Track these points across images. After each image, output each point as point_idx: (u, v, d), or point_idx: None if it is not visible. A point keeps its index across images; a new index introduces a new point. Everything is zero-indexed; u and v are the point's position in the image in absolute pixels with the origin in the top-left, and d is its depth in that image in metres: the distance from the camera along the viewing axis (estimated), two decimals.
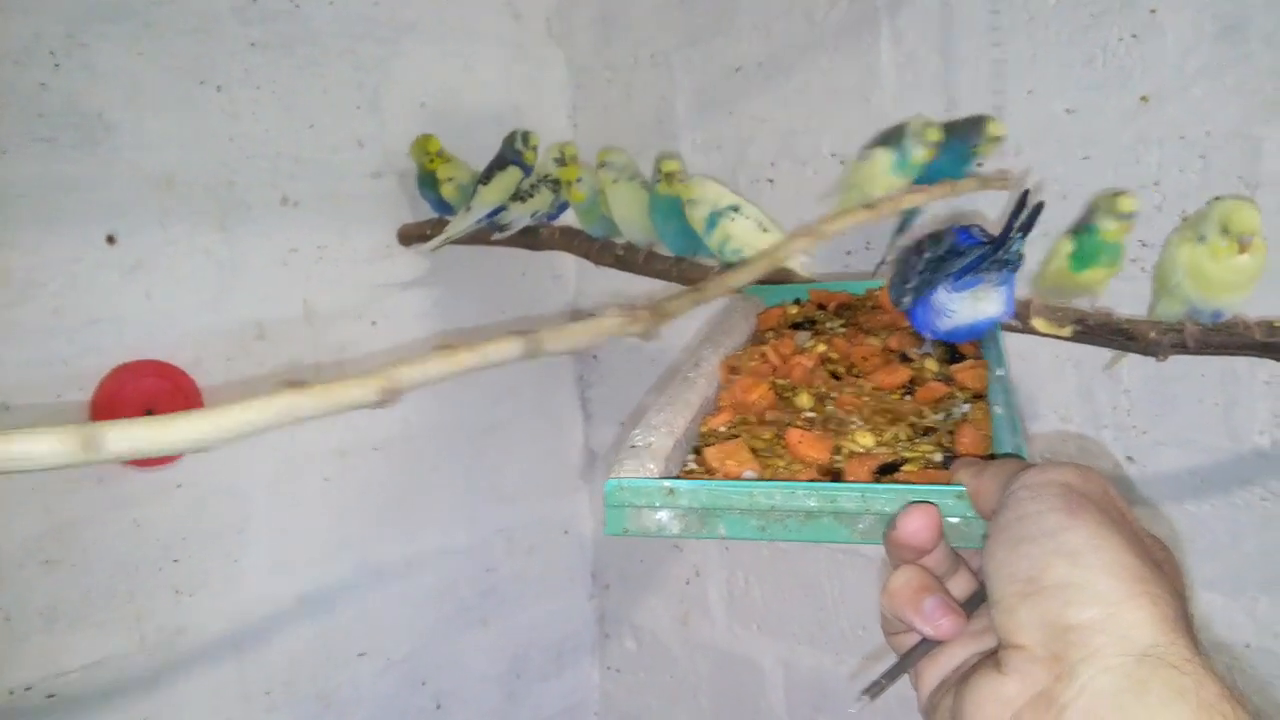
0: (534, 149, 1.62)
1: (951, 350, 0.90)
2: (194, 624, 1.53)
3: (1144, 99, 1.25)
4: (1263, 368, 1.22)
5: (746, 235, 1.29)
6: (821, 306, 1.08)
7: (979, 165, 1.28)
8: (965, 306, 0.84)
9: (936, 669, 0.54)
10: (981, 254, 0.81)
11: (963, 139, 1.26)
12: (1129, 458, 1.34)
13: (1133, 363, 1.31)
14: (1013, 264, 0.82)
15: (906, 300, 0.87)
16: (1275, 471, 1.24)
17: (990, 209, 1.41)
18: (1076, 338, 1.17)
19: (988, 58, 1.38)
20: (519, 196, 1.57)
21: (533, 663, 2.06)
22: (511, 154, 1.61)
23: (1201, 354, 1.11)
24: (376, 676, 1.78)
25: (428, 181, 1.67)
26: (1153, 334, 1.12)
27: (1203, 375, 1.27)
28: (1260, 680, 1.27)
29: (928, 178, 1.28)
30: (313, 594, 1.68)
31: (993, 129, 1.24)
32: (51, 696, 1.39)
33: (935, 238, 0.87)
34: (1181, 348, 1.11)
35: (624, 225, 1.50)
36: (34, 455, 0.54)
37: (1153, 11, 1.23)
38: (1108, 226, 1.11)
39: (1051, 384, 1.39)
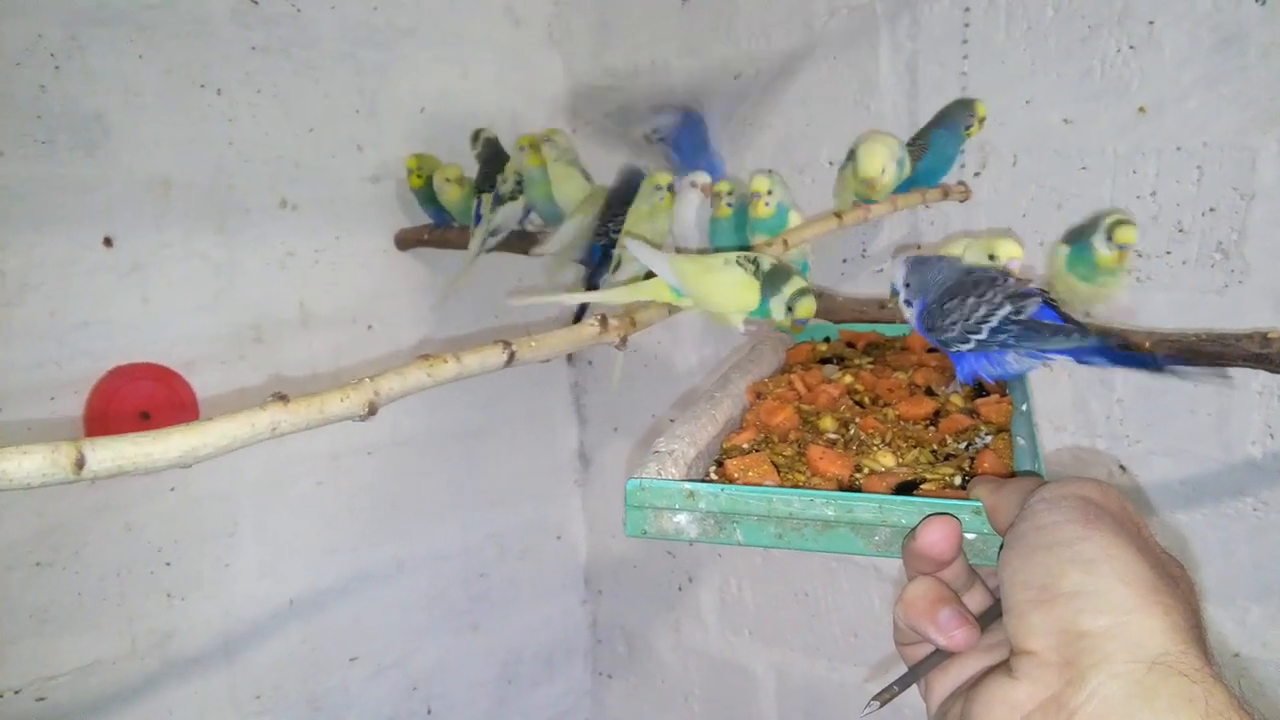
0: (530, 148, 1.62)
1: (978, 385, 0.91)
2: (185, 627, 1.52)
3: (1141, 110, 1.26)
4: (1255, 378, 1.23)
5: None
6: (851, 345, 1.09)
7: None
8: (1025, 364, 0.87)
9: (948, 680, 0.54)
10: (1085, 346, 0.84)
11: (955, 122, 1.31)
12: (1122, 467, 1.35)
13: (1126, 372, 1.32)
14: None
15: (965, 348, 0.87)
16: (1267, 482, 1.24)
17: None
18: None
19: (986, 67, 1.39)
20: (501, 200, 1.58)
21: (524, 668, 2.06)
22: (505, 157, 1.62)
23: (1197, 364, 1.12)
24: (367, 681, 1.78)
25: (427, 196, 1.67)
26: (1147, 344, 1.12)
27: (1196, 385, 1.28)
28: (1250, 689, 1.28)
29: (930, 161, 1.32)
30: (303, 598, 1.67)
31: (980, 109, 1.30)
32: (42, 700, 1.38)
33: (1010, 295, 0.87)
34: (1178, 358, 1.11)
35: (564, 205, 1.52)
36: (16, 473, 0.54)
37: (1150, 23, 1.24)
38: (1102, 252, 1.11)
39: (1046, 393, 1.39)
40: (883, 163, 1.23)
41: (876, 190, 1.24)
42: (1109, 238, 1.08)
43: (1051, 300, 0.88)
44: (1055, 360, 0.87)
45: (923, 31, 1.44)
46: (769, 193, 1.23)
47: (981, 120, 1.31)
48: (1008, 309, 0.86)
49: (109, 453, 0.56)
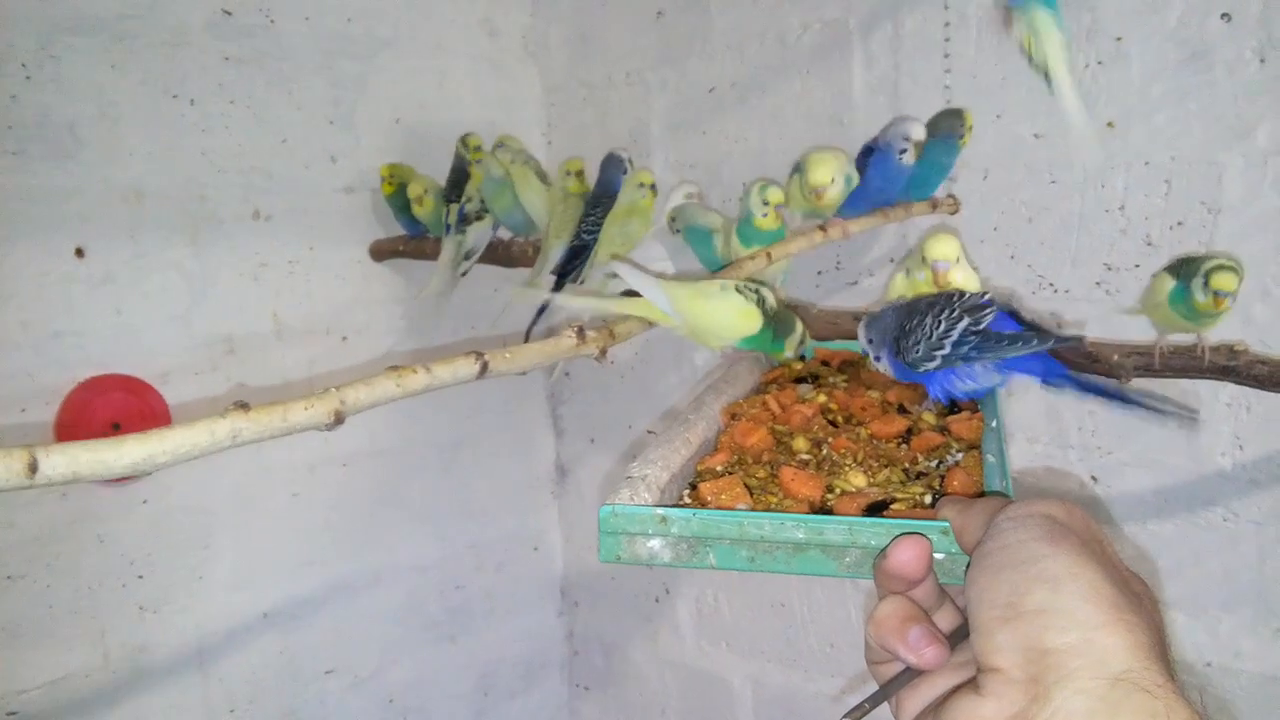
0: (476, 150, 1.62)
1: (950, 403, 0.92)
2: (158, 641, 1.51)
3: (1110, 125, 1.28)
4: (1224, 390, 1.24)
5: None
6: (825, 363, 1.11)
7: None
8: (995, 376, 0.87)
9: (918, 698, 0.55)
10: (1042, 352, 0.85)
11: (949, 132, 1.30)
12: (1093, 478, 1.36)
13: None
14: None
15: (932, 366, 0.88)
16: (1237, 492, 1.26)
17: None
18: None
19: (959, 81, 1.40)
20: (468, 220, 1.58)
21: (501, 680, 2.05)
22: (464, 163, 1.62)
23: (1164, 376, 1.13)
24: (343, 694, 1.77)
25: (400, 205, 1.67)
26: (1116, 356, 1.13)
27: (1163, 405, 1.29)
28: (1221, 699, 1.29)
29: (922, 170, 1.30)
30: (279, 610, 1.66)
31: (968, 118, 1.30)
32: (12, 714, 1.37)
33: (967, 309, 0.89)
34: (1145, 370, 1.12)
35: (531, 211, 1.53)
36: None
37: (1118, 39, 1.25)
38: (1198, 298, 1.06)
39: (1018, 404, 1.40)
40: (832, 173, 1.22)
41: (823, 202, 1.24)
42: (1206, 283, 1.03)
43: (1013, 310, 0.89)
44: (1021, 373, 0.88)
45: (895, 46, 1.45)
46: (778, 206, 1.24)
47: (970, 129, 1.31)
48: (966, 321, 0.87)
49: (63, 458, 0.56)
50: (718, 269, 1.28)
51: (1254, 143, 1.18)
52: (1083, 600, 0.46)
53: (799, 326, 1.06)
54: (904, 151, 1.25)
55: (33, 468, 0.55)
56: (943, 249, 1.11)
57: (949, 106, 1.37)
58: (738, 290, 1.01)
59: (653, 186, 1.38)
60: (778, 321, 1.03)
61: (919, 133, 1.25)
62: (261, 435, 0.65)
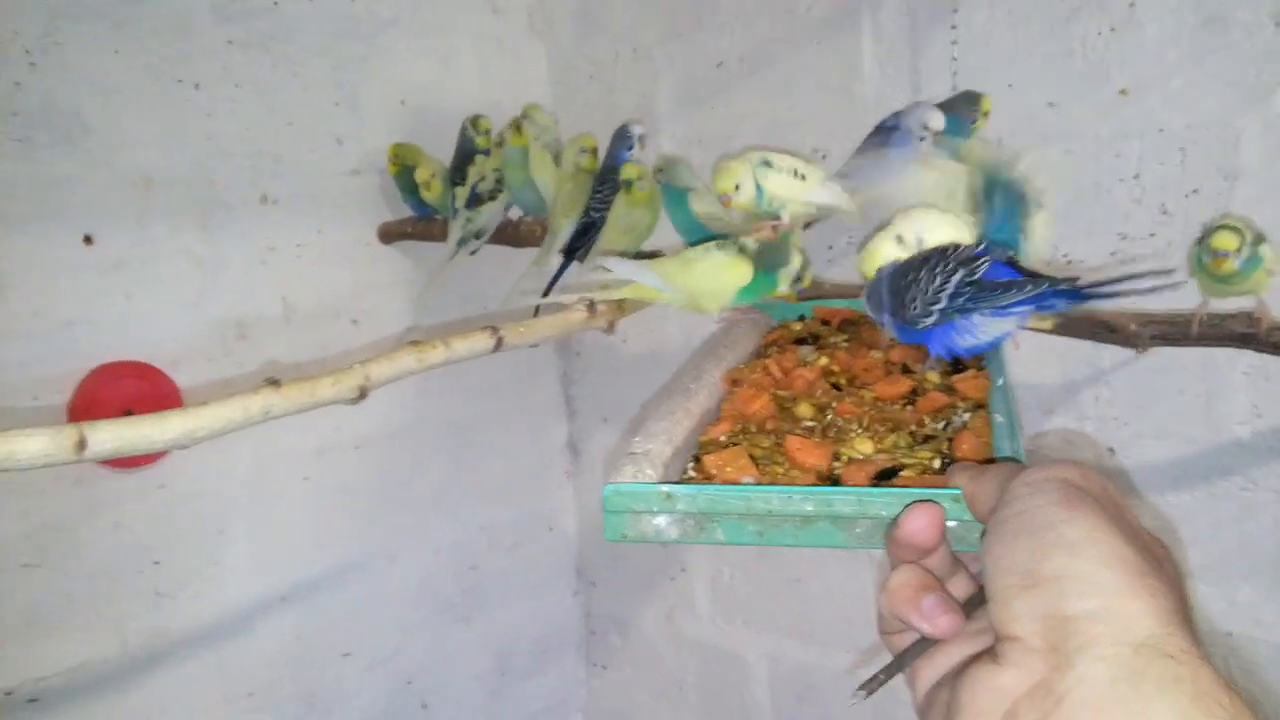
0: (485, 133, 1.61)
1: (954, 361, 0.91)
2: (175, 626, 1.52)
3: (1123, 92, 1.26)
4: (1242, 359, 1.23)
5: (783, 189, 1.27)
6: (825, 322, 1.09)
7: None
8: (995, 327, 0.85)
9: (933, 668, 0.54)
10: (1042, 292, 0.83)
11: (961, 115, 1.28)
12: (1111, 449, 1.35)
13: (1114, 354, 1.32)
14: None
15: (929, 321, 0.87)
16: (1255, 461, 1.25)
17: None
18: (1059, 330, 1.17)
19: (971, 51, 1.38)
20: (480, 199, 1.57)
21: (518, 660, 2.06)
22: (470, 145, 1.61)
23: (1183, 344, 1.12)
24: (361, 676, 1.77)
25: (406, 185, 1.66)
26: (1133, 326, 1.12)
27: (1183, 367, 1.28)
28: (1242, 668, 1.28)
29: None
30: (295, 594, 1.67)
31: (986, 104, 1.27)
32: (33, 701, 1.37)
33: (962, 260, 0.87)
34: (1162, 339, 1.11)
35: (543, 190, 1.53)
36: (23, 454, 0.55)
37: (1131, 5, 1.24)
38: (1204, 260, 1.03)
39: (1034, 376, 1.39)
40: (736, 179, 1.20)
41: (732, 208, 1.21)
42: (1209, 244, 1.01)
43: (1009, 258, 0.88)
44: (1022, 314, 0.86)
45: (906, 16, 1.44)
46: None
47: (986, 115, 1.28)
48: (961, 273, 0.85)
49: (108, 434, 0.58)
50: (694, 232, 1.28)
51: (1272, 108, 1.16)
52: (1103, 565, 0.45)
53: (796, 259, 1.03)
54: (922, 139, 1.24)
55: (81, 445, 0.56)
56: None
57: (967, 89, 1.35)
58: (719, 248, 1.02)
59: (627, 184, 1.34)
60: (766, 257, 1.02)
61: (938, 122, 1.23)
62: (290, 410, 0.67)
